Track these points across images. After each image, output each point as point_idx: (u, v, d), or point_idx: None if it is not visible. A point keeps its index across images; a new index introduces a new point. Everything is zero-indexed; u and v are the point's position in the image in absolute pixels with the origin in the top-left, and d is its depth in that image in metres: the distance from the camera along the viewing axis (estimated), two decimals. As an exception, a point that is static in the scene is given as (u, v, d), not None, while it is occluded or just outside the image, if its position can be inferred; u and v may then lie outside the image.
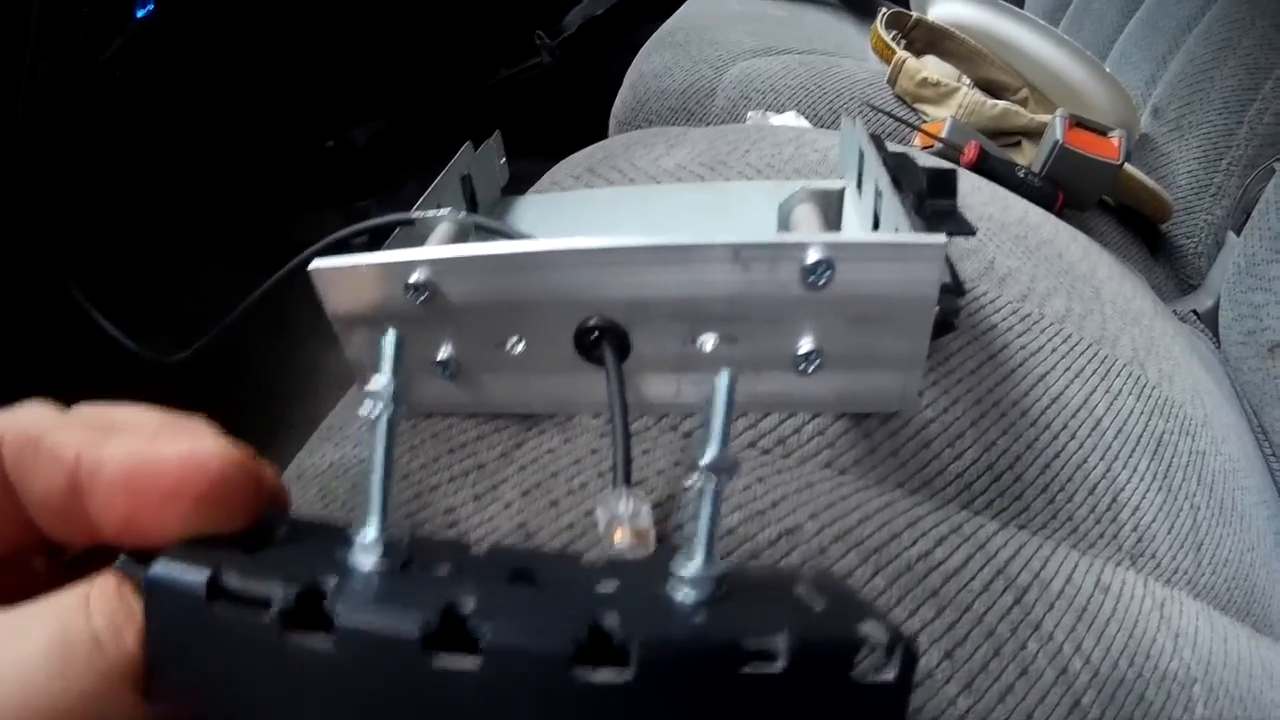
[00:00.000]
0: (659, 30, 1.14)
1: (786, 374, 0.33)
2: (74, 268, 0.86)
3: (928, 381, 0.39)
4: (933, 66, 0.93)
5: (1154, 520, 0.42)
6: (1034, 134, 0.87)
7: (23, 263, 0.97)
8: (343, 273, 0.33)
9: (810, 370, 0.32)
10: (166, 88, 1.18)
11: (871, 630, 0.20)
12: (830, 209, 0.42)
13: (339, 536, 0.24)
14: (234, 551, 0.21)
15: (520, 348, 0.33)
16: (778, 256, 0.30)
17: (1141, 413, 0.47)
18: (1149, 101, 1.08)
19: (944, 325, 0.40)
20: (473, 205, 0.49)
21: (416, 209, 0.40)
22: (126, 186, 1.19)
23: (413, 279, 0.32)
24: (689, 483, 0.21)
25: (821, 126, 0.90)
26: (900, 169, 0.41)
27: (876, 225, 0.41)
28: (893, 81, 0.93)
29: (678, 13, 1.20)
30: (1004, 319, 0.45)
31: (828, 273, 0.30)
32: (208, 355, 0.51)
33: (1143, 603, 0.38)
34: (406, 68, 1.35)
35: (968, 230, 0.38)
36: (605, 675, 0.18)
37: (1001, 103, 0.88)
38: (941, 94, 0.89)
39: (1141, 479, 0.43)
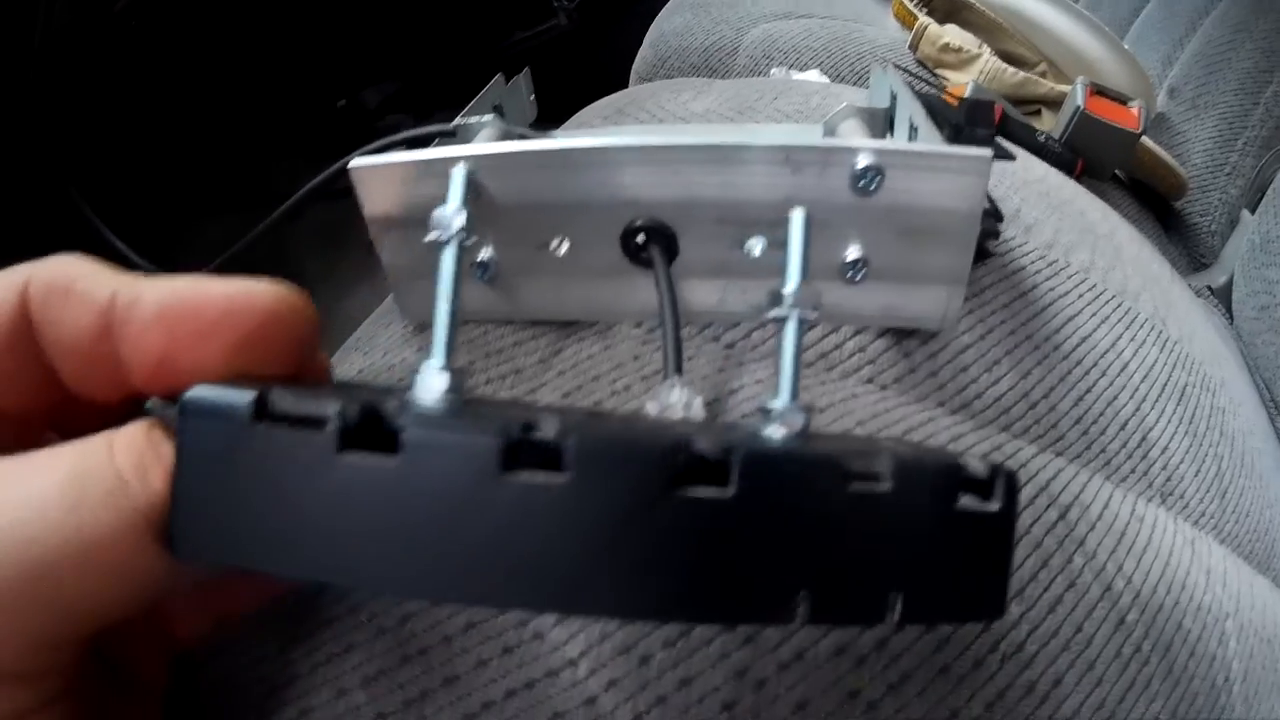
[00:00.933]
0: (679, -8, 1.13)
1: (832, 283, 0.32)
2: (89, 204, 0.85)
3: (963, 310, 0.38)
4: (954, 33, 0.92)
5: (1182, 462, 0.42)
6: (1053, 103, 0.87)
7: (38, 208, 0.96)
8: (383, 170, 0.33)
9: (857, 279, 0.32)
10: (180, 41, 1.17)
11: (970, 463, 0.19)
12: (876, 128, 0.41)
13: (394, 391, 0.23)
14: (281, 385, 0.19)
15: (564, 248, 0.33)
16: (828, 160, 0.30)
17: (1165, 363, 0.47)
18: (1165, 81, 1.08)
19: (981, 252, 0.40)
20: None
21: (457, 121, 0.40)
22: (138, 141, 1.18)
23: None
24: (771, 314, 0.21)
25: (842, 89, 0.90)
26: (934, 108, 0.41)
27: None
28: (914, 46, 0.93)
29: (698, -24, 1.20)
30: (1032, 263, 0.45)
31: (877, 178, 0.30)
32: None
33: (1175, 538, 0.38)
34: (421, 29, 1.34)
35: (1008, 155, 0.38)
36: (705, 491, 0.17)
37: (1022, 72, 0.88)
38: (963, 60, 0.89)
39: (1169, 422, 0.43)
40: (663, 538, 0.17)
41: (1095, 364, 0.41)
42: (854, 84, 0.91)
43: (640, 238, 0.32)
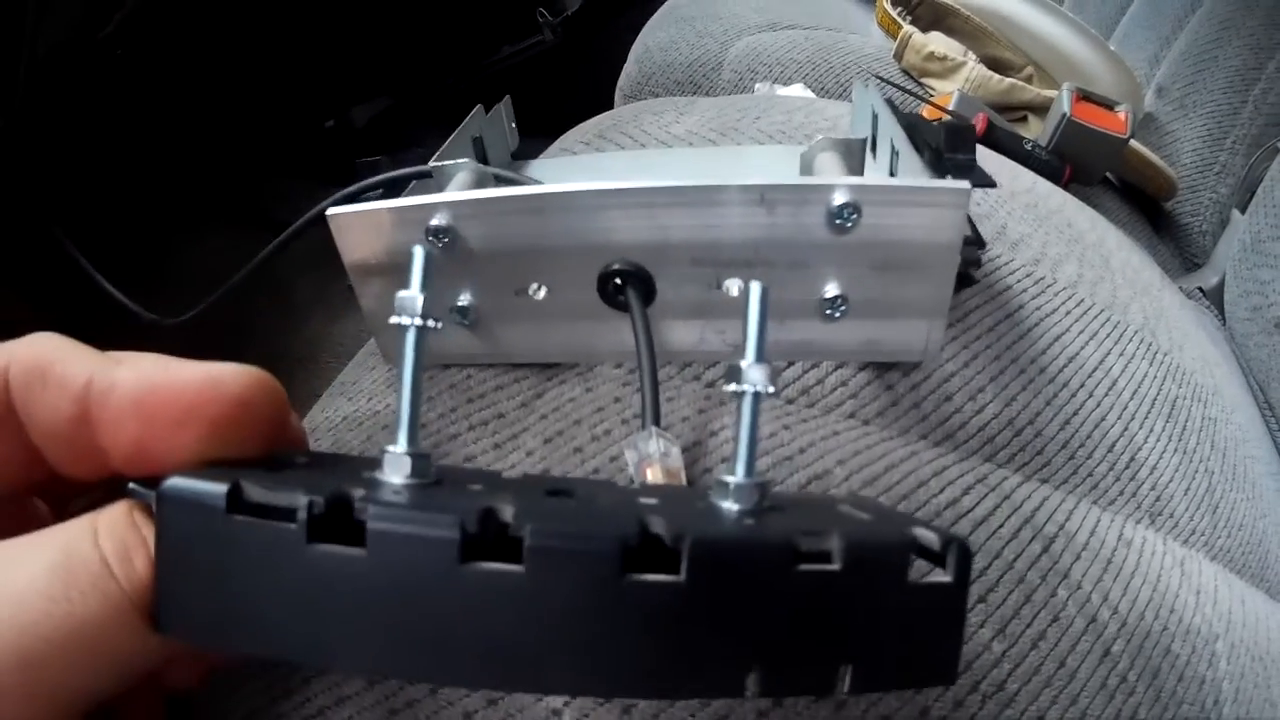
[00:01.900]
0: (664, 5, 1.14)
1: (811, 321, 0.32)
2: (74, 239, 0.85)
3: (947, 337, 0.38)
4: (939, 42, 0.92)
5: (1171, 480, 0.42)
6: (1040, 109, 0.87)
7: (22, 233, 0.96)
8: (360, 218, 0.33)
9: (836, 316, 0.32)
10: (167, 65, 1.17)
11: (922, 534, 0.19)
12: (852, 159, 0.41)
13: (364, 463, 0.23)
14: (253, 470, 0.20)
15: (542, 294, 0.33)
16: (803, 199, 0.30)
17: (1155, 377, 0.47)
18: (1153, 80, 1.07)
19: (964, 278, 0.40)
20: (484, 167, 0.48)
21: (431, 163, 0.40)
22: (126, 163, 1.18)
23: (433, 223, 0.31)
24: (730, 387, 0.21)
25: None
26: (915, 129, 0.41)
27: (895, 181, 0.40)
28: (899, 56, 0.93)
29: (682, -10, 1.20)
30: (1018, 281, 0.45)
31: (854, 216, 0.30)
32: (209, 327, 0.51)
33: (1164, 559, 0.37)
34: (407, 46, 1.34)
35: (988, 183, 0.38)
36: (655, 577, 0.17)
37: (1008, 78, 0.88)
38: (948, 68, 0.89)
39: (1158, 440, 0.43)
40: (616, 621, 0.18)
41: (1082, 384, 0.41)
42: (839, 96, 0.91)
43: (617, 281, 0.32)
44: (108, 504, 0.21)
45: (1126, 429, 0.41)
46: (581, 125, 0.60)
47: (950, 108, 0.78)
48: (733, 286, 0.32)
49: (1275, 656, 0.40)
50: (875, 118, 0.43)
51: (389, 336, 0.36)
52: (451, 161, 0.39)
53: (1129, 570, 0.35)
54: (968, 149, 0.40)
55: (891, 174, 0.41)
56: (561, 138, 0.59)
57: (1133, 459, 0.41)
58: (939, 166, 0.39)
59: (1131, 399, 0.43)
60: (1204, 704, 0.34)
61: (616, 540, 0.17)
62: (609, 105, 1.04)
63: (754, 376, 0.21)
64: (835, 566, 0.18)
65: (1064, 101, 0.79)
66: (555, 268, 0.32)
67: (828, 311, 0.32)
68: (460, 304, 0.33)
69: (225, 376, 0.22)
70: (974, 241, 0.39)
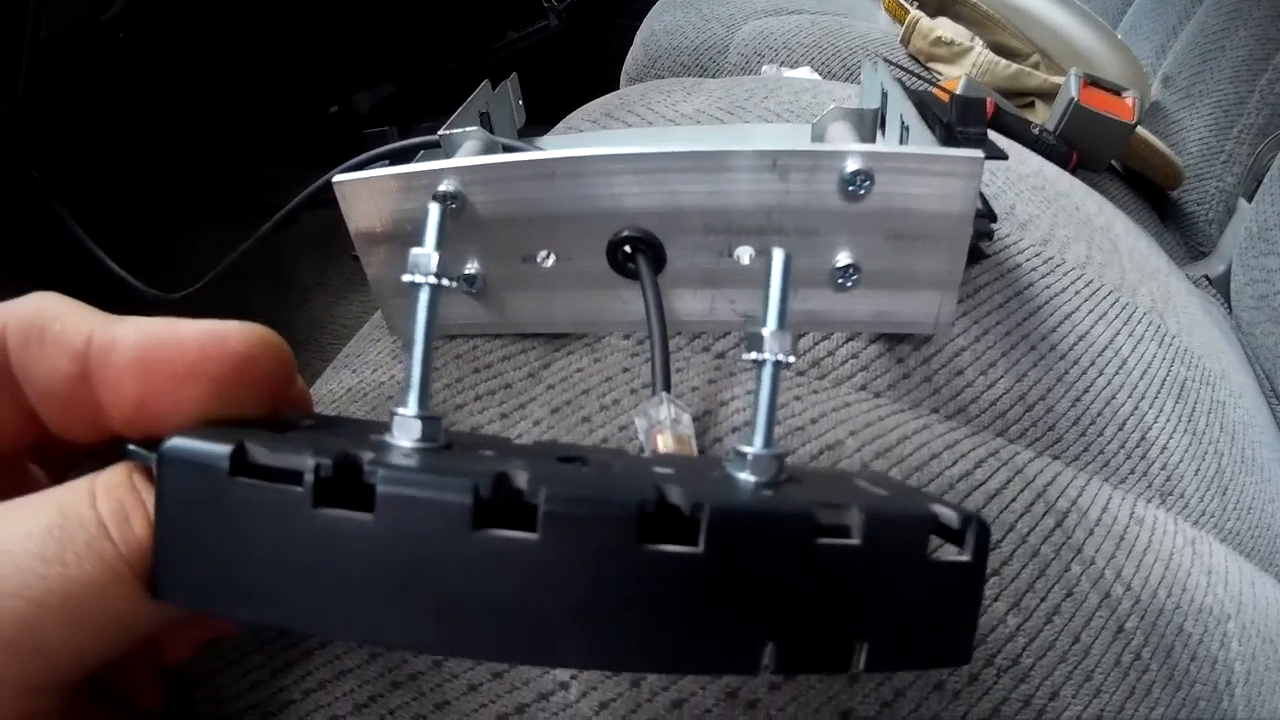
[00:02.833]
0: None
1: (823, 290, 0.32)
2: (78, 222, 0.85)
3: (958, 312, 0.38)
4: (946, 27, 0.92)
5: (1181, 460, 0.42)
6: (1047, 95, 0.87)
7: (25, 215, 0.96)
8: (367, 185, 0.32)
9: (848, 285, 0.31)
10: (170, 49, 1.17)
11: (942, 511, 0.19)
12: (864, 129, 0.41)
13: (372, 427, 0.23)
14: (257, 431, 0.20)
15: (551, 262, 0.32)
16: (816, 165, 0.30)
17: (1164, 359, 0.46)
18: (1159, 70, 1.07)
19: (974, 252, 0.39)
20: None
21: (440, 133, 0.39)
22: (129, 149, 1.17)
23: (441, 189, 0.31)
24: (749, 355, 0.20)
25: (835, 84, 0.90)
26: (925, 105, 0.40)
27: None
28: (906, 41, 0.92)
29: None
30: (1027, 260, 0.45)
31: (866, 184, 0.30)
32: (212, 309, 0.50)
33: (1175, 538, 0.37)
34: (411, 32, 1.33)
35: (1000, 155, 0.38)
36: (673, 548, 0.17)
37: (1015, 64, 0.88)
38: (955, 53, 0.88)
39: (1168, 420, 0.43)
40: (630, 592, 0.17)
41: (1093, 362, 0.41)
42: (846, 80, 0.90)
43: (627, 249, 0.31)
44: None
45: (1137, 408, 0.41)
46: (588, 105, 0.60)
47: (958, 92, 0.78)
48: (744, 255, 0.31)
49: (1286, 640, 0.39)
50: (885, 96, 0.43)
51: (394, 306, 0.35)
52: (460, 130, 0.38)
53: (1141, 548, 0.35)
54: (979, 122, 0.40)
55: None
56: (568, 117, 0.59)
57: (1143, 438, 0.40)
58: (950, 140, 0.39)
59: (1141, 379, 0.43)
60: (1216, 684, 0.34)
61: (634, 507, 0.17)
62: (614, 91, 1.03)
63: (775, 345, 0.21)
64: (855, 541, 0.18)
65: (1071, 86, 0.78)
66: (564, 235, 0.32)
67: (839, 281, 0.31)
68: (467, 272, 0.33)
69: (229, 332, 0.21)
70: (985, 214, 0.39)
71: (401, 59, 1.36)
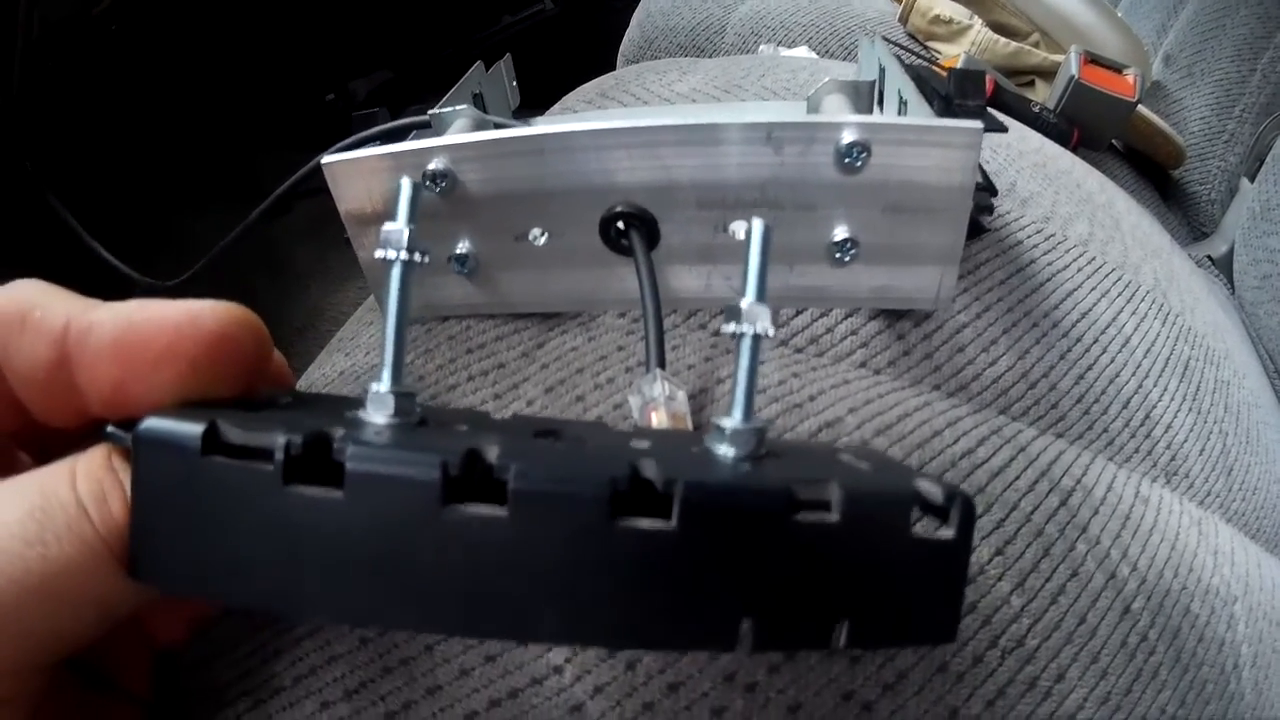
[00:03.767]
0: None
1: (821, 265, 0.31)
2: (71, 211, 0.84)
3: (959, 289, 0.37)
4: (945, 5, 0.91)
5: (1186, 440, 0.41)
6: (1047, 73, 0.86)
7: (17, 213, 0.96)
8: (356, 165, 0.32)
9: (846, 260, 0.31)
10: (163, 39, 1.16)
11: (925, 486, 0.19)
12: (861, 102, 0.40)
13: (349, 403, 0.23)
14: (232, 410, 0.20)
15: (543, 240, 0.31)
16: (812, 137, 0.29)
17: (1168, 337, 0.46)
18: (1160, 49, 1.06)
19: (975, 227, 0.39)
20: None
21: (431, 112, 0.39)
22: (124, 139, 1.17)
23: (431, 167, 0.30)
24: (728, 327, 0.20)
25: (833, 64, 0.89)
26: (923, 79, 0.40)
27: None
28: (904, 19, 0.91)
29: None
30: (1029, 237, 0.44)
31: (863, 155, 0.29)
32: (208, 297, 0.50)
33: (1180, 518, 0.37)
34: (407, 18, 1.33)
35: (999, 127, 0.37)
36: (646, 523, 0.17)
37: (1014, 42, 0.87)
38: (954, 31, 0.87)
39: (1172, 398, 0.42)
40: (604, 568, 0.17)
41: (1096, 340, 0.40)
42: (843, 59, 0.90)
43: (620, 225, 0.31)
44: None
45: (1141, 386, 0.40)
46: (583, 86, 0.59)
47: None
48: (739, 230, 0.30)
49: (1292, 622, 0.39)
50: (882, 71, 0.42)
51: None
52: (450, 109, 0.38)
53: (1147, 527, 0.34)
54: (978, 95, 0.39)
55: (900, 121, 0.39)
56: (563, 99, 0.58)
57: (1148, 416, 0.40)
58: (949, 113, 0.38)
59: (1145, 357, 0.42)
60: (1223, 666, 0.33)
61: (606, 484, 0.17)
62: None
63: (753, 316, 0.20)
64: (834, 517, 0.17)
65: (1072, 64, 0.77)
66: (556, 212, 0.31)
67: (837, 255, 0.31)
68: (459, 252, 0.32)
69: (204, 313, 0.21)
70: (986, 188, 0.38)
71: (397, 45, 1.36)
